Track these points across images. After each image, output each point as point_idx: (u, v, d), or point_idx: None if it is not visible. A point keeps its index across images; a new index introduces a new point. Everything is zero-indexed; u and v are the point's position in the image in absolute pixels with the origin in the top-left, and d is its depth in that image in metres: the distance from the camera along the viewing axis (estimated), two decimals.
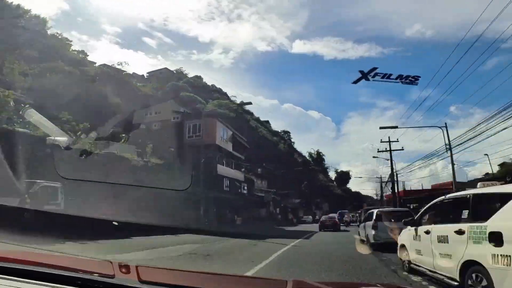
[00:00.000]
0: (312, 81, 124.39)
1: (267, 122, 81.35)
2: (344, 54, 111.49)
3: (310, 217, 57.56)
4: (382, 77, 11.17)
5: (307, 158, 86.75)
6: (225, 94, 78.05)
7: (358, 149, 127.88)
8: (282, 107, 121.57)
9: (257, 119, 77.01)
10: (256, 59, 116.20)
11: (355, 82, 11.75)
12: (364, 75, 11.10)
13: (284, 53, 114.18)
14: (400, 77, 11.23)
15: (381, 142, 31.33)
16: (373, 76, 11.03)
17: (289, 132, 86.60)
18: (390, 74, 11.26)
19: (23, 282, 1.61)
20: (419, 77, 11.48)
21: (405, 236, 7.44)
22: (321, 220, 30.08)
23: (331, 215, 34.51)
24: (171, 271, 2.31)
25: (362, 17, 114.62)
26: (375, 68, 11.16)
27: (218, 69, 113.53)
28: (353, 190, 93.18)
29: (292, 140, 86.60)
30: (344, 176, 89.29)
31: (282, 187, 56.63)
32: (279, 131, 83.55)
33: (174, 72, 75.38)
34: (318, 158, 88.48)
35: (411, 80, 11.21)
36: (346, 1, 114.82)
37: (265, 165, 55.53)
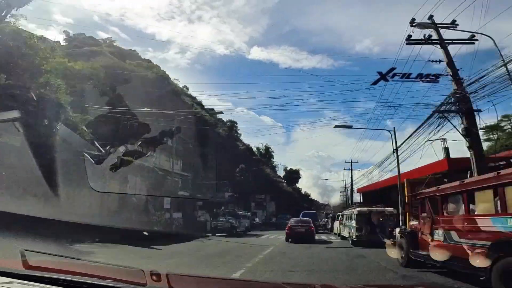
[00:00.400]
0: (266, 87, 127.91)
1: (212, 109, 65.18)
2: (298, 63, 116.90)
3: (247, 221, 34.96)
4: (402, 77, 10.95)
5: (255, 152, 75.08)
6: (164, 72, 59.69)
7: (305, 156, 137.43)
8: (235, 110, 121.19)
9: (199, 103, 61.12)
10: (213, 62, 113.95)
11: (374, 83, 11.54)
12: (383, 76, 10.93)
13: (242, 58, 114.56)
14: (420, 76, 10.98)
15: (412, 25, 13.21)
16: (392, 77, 10.84)
17: (236, 123, 71.72)
18: (410, 74, 11.02)
19: None
20: (440, 75, 11.19)
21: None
22: (290, 225, 20.10)
23: (304, 218, 24.12)
24: (200, 278, 2.31)
25: (318, 28, 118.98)
26: (393, 69, 10.99)
27: (173, 69, 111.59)
28: (302, 191, 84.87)
29: (239, 131, 72.17)
30: (294, 175, 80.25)
31: (210, 174, 39.79)
32: (225, 120, 68.28)
33: (101, 40, 64.18)
34: (267, 154, 77.69)
35: (432, 78, 10.93)
36: (304, 12, 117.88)
37: (185, 138, 33.96)
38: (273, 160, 79.70)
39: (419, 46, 12.33)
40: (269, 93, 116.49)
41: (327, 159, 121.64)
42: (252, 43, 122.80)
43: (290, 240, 18.58)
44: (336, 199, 77.31)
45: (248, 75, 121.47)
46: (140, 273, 1.78)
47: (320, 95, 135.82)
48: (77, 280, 1.73)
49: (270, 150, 79.01)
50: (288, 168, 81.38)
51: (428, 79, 11.02)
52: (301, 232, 18.90)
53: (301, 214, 30.61)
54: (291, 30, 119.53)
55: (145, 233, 12.55)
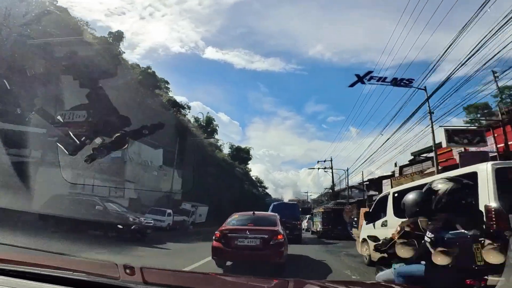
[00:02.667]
0: (222, 85, 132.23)
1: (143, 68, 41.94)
2: (252, 65, 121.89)
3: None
4: (378, 80, 11.41)
5: (193, 123, 50.72)
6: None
7: (256, 154, 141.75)
8: (190, 104, 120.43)
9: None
10: (166, 58, 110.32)
11: (352, 85, 11.83)
12: (360, 79, 11.25)
13: (197, 56, 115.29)
14: (394, 80, 11.49)
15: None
16: (369, 80, 11.23)
17: (168, 82, 50.48)
18: (386, 77, 11.54)
19: (30, 284, 1.61)
20: (413, 79, 11.75)
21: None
22: (225, 228, 8.11)
23: (265, 213, 11.73)
24: (175, 272, 2.31)
25: (274, 31, 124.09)
26: (370, 72, 11.35)
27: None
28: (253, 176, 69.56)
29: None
30: (242, 154, 63.31)
31: None
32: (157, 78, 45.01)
33: None
34: (209, 128, 54.25)
35: (405, 82, 11.43)
36: (260, 14, 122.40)
37: None
38: (216, 137, 57.24)
39: None
40: (225, 91, 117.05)
41: (277, 157, 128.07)
42: (207, 44, 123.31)
43: (224, 264, 8.21)
44: (289, 195, 75.86)
45: (204, 73, 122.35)
46: (113, 266, 1.75)
47: (274, 94, 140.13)
48: (46, 273, 1.68)
49: (213, 123, 56.42)
50: (235, 146, 63.68)
51: (402, 83, 11.54)
52: (248, 250, 7.60)
53: (271, 206, 19.87)
54: (246, 32, 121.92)
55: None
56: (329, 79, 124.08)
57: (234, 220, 8.85)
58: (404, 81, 11.26)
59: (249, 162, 65.89)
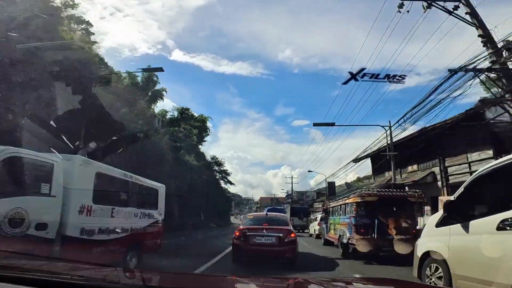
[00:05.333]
0: (191, 87, 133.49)
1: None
2: (219, 68, 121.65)
3: None
4: (371, 77, 11.55)
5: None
6: None
7: (225, 155, 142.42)
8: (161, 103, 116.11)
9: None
10: (132, 58, 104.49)
11: (345, 83, 11.97)
12: (353, 76, 11.36)
13: (164, 58, 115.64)
14: (387, 76, 11.66)
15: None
16: (362, 77, 11.35)
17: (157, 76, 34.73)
18: (378, 74, 11.70)
19: None
20: (405, 75, 11.91)
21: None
22: (243, 228, 9.19)
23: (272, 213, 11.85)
24: (176, 275, 2.30)
25: (242, 35, 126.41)
26: (363, 69, 11.48)
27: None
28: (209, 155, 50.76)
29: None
30: (194, 122, 43.22)
31: None
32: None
33: None
34: (148, 87, 35.05)
35: (398, 79, 11.60)
36: (227, 18, 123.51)
37: None
38: (158, 110, 38.42)
39: None
40: (195, 92, 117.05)
41: (245, 160, 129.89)
42: (174, 46, 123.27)
43: (242, 259, 8.82)
44: (261, 193, 73.04)
45: (172, 73, 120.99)
46: (113, 270, 1.74)
47: (243, 95, 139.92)
48: (45, 278, 1.67)
49: (156, 83, 35.97)
50: (181, 107, 43.76)
51: (395, 80, 11.69)
52: (266, 247, 8.57)
53: (265, 210, 18.86)
54: (216, 35, 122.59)
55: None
56: (297, 83, 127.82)
57: (250, 220, 10.26)
58: (397, 77, 11.46)
59: (205, 136, 46.90)
